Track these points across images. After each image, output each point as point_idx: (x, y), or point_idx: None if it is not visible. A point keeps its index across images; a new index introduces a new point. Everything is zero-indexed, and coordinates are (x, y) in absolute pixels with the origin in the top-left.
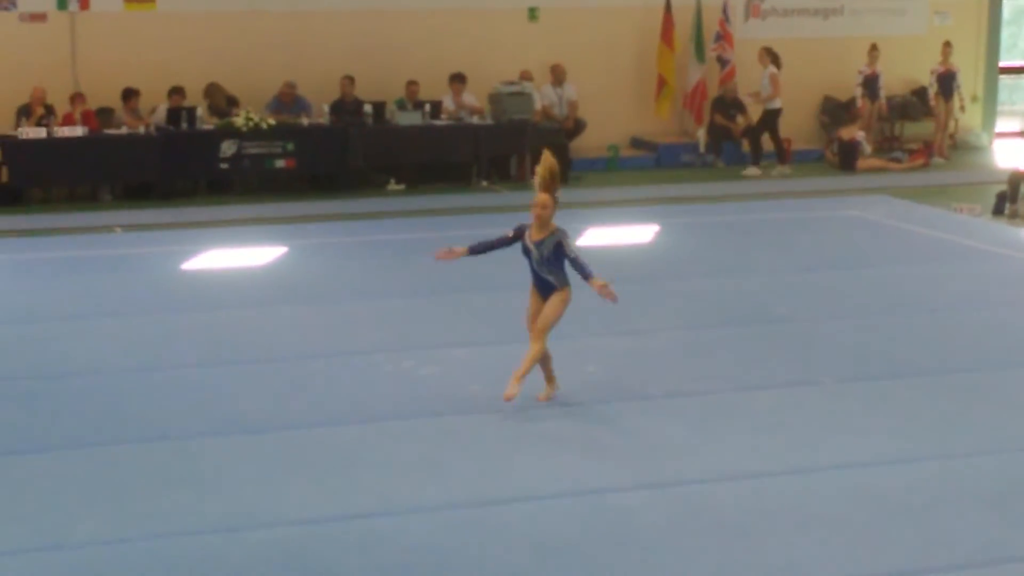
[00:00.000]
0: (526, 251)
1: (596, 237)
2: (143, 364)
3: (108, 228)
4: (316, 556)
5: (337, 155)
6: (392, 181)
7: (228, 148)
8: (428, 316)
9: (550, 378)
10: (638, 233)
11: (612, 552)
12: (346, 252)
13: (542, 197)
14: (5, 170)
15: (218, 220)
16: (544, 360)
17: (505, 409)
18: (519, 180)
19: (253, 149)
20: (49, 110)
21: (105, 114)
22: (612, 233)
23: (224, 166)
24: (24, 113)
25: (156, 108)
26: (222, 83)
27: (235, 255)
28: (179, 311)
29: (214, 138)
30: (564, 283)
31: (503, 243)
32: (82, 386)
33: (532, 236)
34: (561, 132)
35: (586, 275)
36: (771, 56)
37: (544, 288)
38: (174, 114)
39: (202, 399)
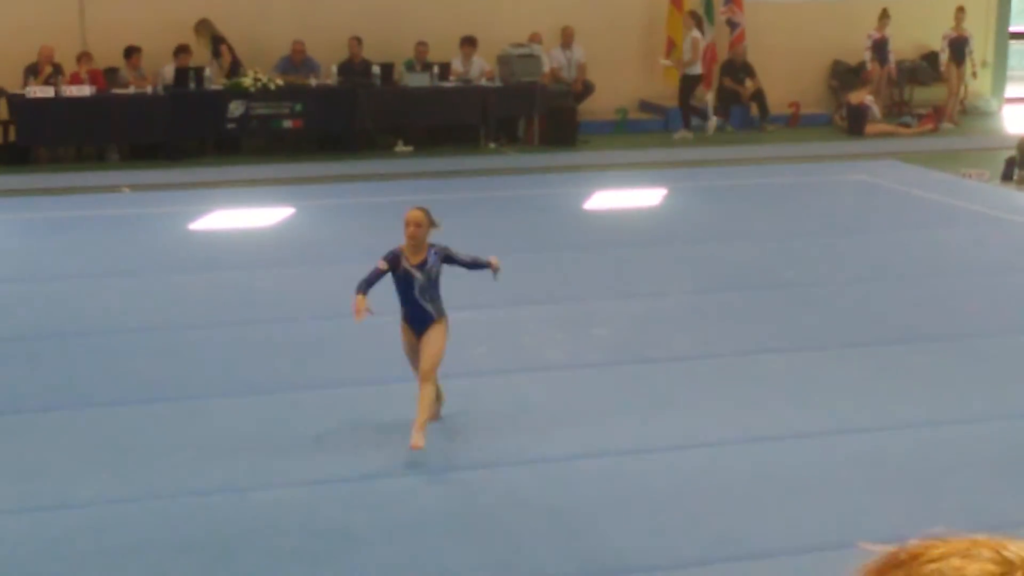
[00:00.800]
0: (407, 278)
1: (603, 200)
2: (149, 324)
3: (115, 188)
4: (323, 516)
5: (345, 116)
6: (400, 142)
7: (236, 108)
8: None
9: (422, 425)
10: (646, 197)
11: (616, 516)
12: (353, 213)
13: (415, 214)
14: (13, 129)
15: (225, 180)
16: (432, 399)
17: (509, 371)
18: (527, 143)
19: (261, 110)
20: (57, 69)
21: (112, 74)
22: (619, 196)
23: (232, 126)
24: (32, 72)
25: (163, 68)
26: (231, 43)
27: (242, 216)
28: (186, 271)
29: (222, 98)
30: (442, 312)
31: (378, 276)
32: (88, 346)
33: (410, 261)
34: (569, 95)
35: (484, 263)
36: (695, 20)
37: (419, 320)
38: (181, 74)
39: (208, 360)
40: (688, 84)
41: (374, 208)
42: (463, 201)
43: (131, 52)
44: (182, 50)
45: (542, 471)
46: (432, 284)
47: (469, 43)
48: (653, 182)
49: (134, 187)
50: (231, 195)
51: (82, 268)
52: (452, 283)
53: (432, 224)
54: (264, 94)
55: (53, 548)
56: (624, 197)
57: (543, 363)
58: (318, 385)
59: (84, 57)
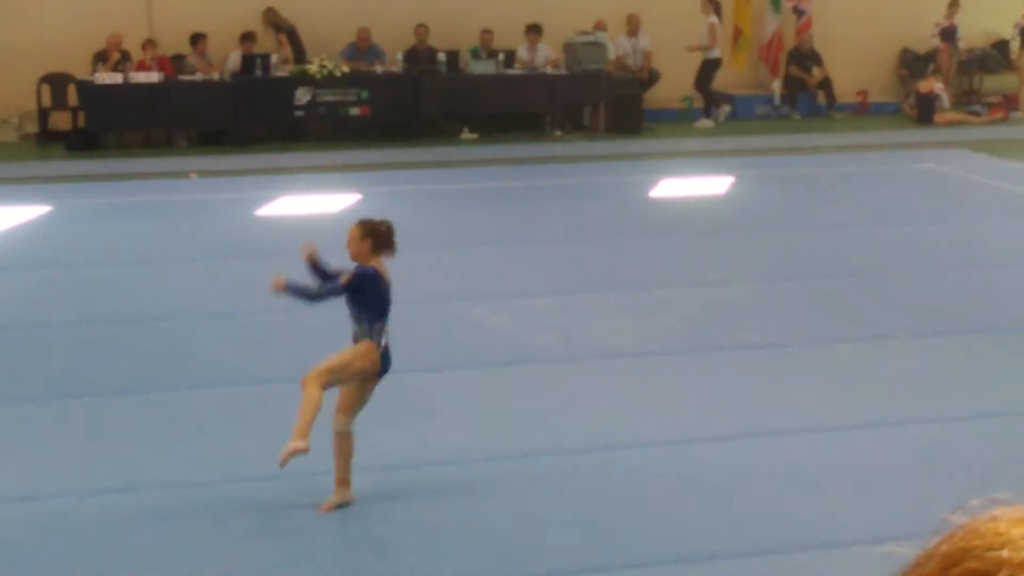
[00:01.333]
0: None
1: (669, 188)
2: (218, 310)
3: (183, 174)
4: (390, 501)
5: (410, 103)
6: (465, 130)
7: (302, 95)
8: (499, 265)
9: (343, 480)
10: (712, 185)
11: (683, 503)
12: (419, 200)
13: (350, 228)
14: (82, 115)
15: (292, 167)
16: (342, 451)
17: (576, 358)
18: (593, 130)
19: (327, 97)
20: (125, 56)
21: (178, 60)
22: (685, 184)
23: (298, 113)
24: (100, 58)
25: (229, 55)
26: (297, 31)
27: (309, 202)
28: (254, 257)
29: (288, 85)
30: (365, 335)
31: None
32: (157, 330)
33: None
34: (635, 82)
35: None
36: (713, 5)
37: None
38: (248, 61)
39: (279, 344)
40: (708, 69)
41: (439, 195)
42: (528, 189)
43: (197, 39)
44: (247, 37)
45: (610, 459)
46: (349, 301)
47: (534, 31)
48: (719, 170)
49: (202, 173)
50: (298, 181)
51: (150, 253)
52: (525, 272)
53: (364, 239)
54: (330, 81)
55: (124, 530)
56: (690, 185)
57: (610, 351)
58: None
59: (150, 44)
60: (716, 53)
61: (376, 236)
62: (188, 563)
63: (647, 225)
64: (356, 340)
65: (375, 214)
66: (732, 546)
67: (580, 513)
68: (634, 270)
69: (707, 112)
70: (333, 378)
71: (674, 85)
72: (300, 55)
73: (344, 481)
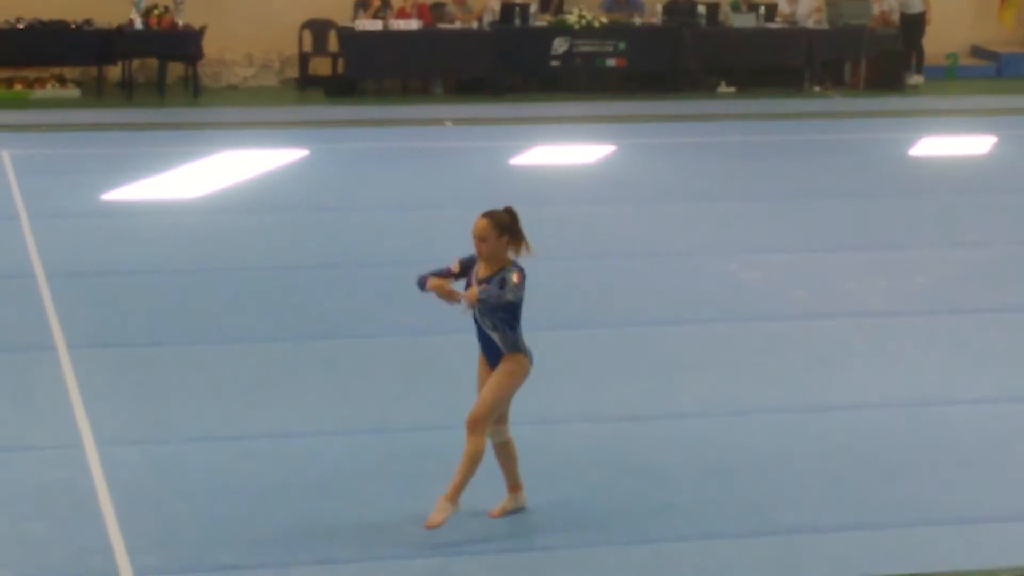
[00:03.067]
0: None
1: (930, 147)
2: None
3: (438, 121)
4: (633, 452)
5: (668, 56)
6: (723, 83)
7: (560, 46)
8: (752, 220)
9: (514, 485)
10: (974, 144)
11: (925, 465)
12: (673, 153)
13: (479, 223)
14: (341, 61)
15: (547, 117)
16: (505, 458)
17: (829, 315)
18: (853, 86)
19: (585, 47)
20: (385, 3)
21: (438, 8)
22: (947, 143)
23: (555, 64)
24: (361, 5)
25: (488, 4)
26: None
27: (563, 152)
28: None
29: (546, 35)
30: (512, 347)
31: (446, 275)
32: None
33: (479, 272)
34: (898, 39)
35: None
36: None
37: (488, 349)
38: (507, 10)
39: (525, 296)
40: (914, 25)
41: (694, 148)
42: (785, 144)
43: None
44: None
45: (857, 418)
46: (489, 310)
47: None
48: (983, 129)
49: (457, 121)
50: (552, 131)
51: (403, 199)
52: (775, 227)
53: (501, 236)
54: (588, 32)
55: (375, 469)
56: (952, 144)
57: (862, 309)
58: (631, 322)
59: None
60: (917, 7)
61: (512, 232)
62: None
63: (904, 183)
64: (491, 351)
65: (629, 166)
66: (984, 511)
67: (825, 470)
68: (888, 228)
69: (918, 68)
70: (498, 412)
71: (938, 42)
72: (559, 5)
73: (516, 487)
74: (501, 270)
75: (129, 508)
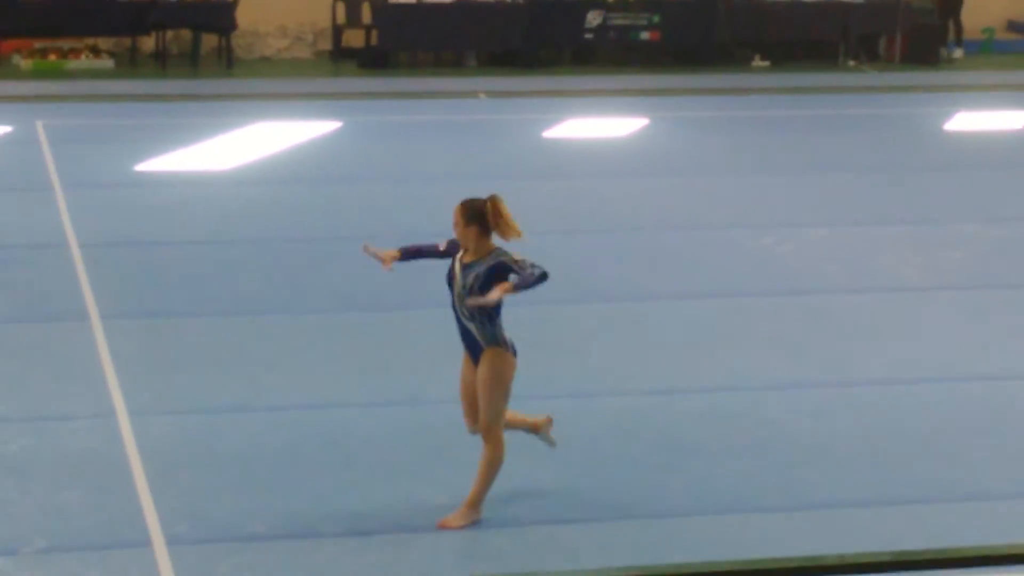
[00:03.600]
0: (449, 279)
1: (965, 122)
2: None
3: (472, 94)
4: (665, 425)
5: (703, 29)
6: (757, 57)
7: (593, 19)
8: (787, 194)
9: (535, 425)
10: (1011, 119)
11: (960, 441)
12: (707, 126)
13: (455, 208)
14: (375, 33)
15: (580, 90)
16: (515, 421)
17: (862, 289)
18: (888, 61)
19: (618, 20)
20: None
21: None
22: (982, 118)
23: (589, 36)
24: None
25: None
26: None
27: (596, 125)
28: (538, 178)
29: (580, 8)
30: (491, 340)
31: (431, 254)
32: None
33: (463, 258)
34: (934, 12)
35: (530, 283)
36: None
37: (468, 343)
38: None
39: (558, 269)
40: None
41: (729, 122)
42: (819, 118)
43: None
44: None
45: (893, 393)
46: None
47: None
48: (1019, 104)
49: (490, 93)
50: (585, 104)
51: (436, 171)
52: (808, 202)
53: (469, 224)
54: (622, 5)
55: (407, 441)
56: (987, 119)
57: (896, 284)
58: (667, 296)
59: None
60: None
61: (481, 222)
62: (465, 477)
63: (939, 158)
64: (472, 345)
65: (662, 139)
66: (1021, 487)
67: (859, 445)
68: (923, 203)
69: (958, 41)
70: (503, 411)
71: (975, 16)
72: None
73: (539, 422)
74: (490, 255)
75: (161, 478)
